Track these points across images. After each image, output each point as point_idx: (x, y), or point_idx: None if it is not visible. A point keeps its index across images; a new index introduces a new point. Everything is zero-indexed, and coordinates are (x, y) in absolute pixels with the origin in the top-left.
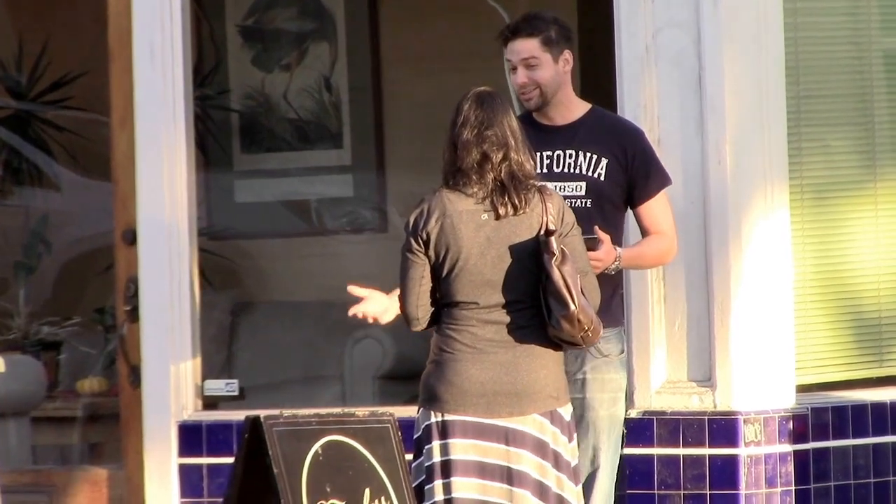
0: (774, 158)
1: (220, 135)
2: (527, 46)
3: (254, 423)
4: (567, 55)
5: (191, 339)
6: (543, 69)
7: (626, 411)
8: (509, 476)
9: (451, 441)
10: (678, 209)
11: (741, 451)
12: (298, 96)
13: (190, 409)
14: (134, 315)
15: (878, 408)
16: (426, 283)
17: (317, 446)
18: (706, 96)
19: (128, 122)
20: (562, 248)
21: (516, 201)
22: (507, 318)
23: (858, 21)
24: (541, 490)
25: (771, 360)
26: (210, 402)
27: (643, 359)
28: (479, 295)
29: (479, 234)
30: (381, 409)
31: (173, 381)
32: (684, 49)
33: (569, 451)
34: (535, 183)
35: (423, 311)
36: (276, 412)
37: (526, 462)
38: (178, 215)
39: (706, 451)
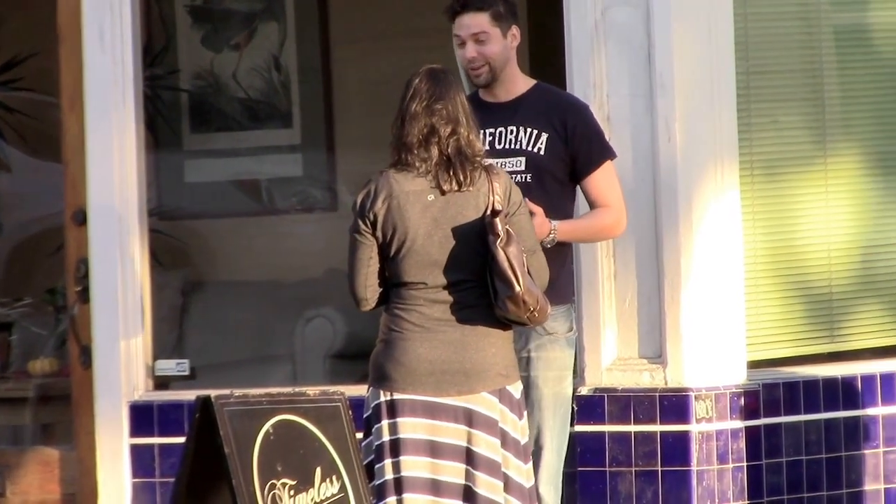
0: (724, 135)
1: (170, 115)
2: (476, 21)
3: (205, 402)
4: (515, 30)
5: (141, 320)
6: (493, 44)
7: (577, 388)
8: (460, 454)
9: (399, 420)
10: (628, 187)
11: (692, 428)
12: (248, 76)
13: (141, 390)
14: (85, 296)
15: (830, 383)
16: (374, 264)
17: (268, 425)
18: (656, 73)
19: (78, 104)
20: (507, 229)
21: (461, 177)
22: (455, 298)
23: None
24: (492, 467)
25: (722, 337)
26: (161, 382)
27: (594, 336)
28: (426, 275)
29: (425, 215)
30: (331, 388)
31: (124, 362)
32: (634, 26)
33: (518, 428)
34: (483, 161)
35: (371, 291)
36: (227, 392)
37: (477, 440)
38: (128, 196)
39: (657, 427)
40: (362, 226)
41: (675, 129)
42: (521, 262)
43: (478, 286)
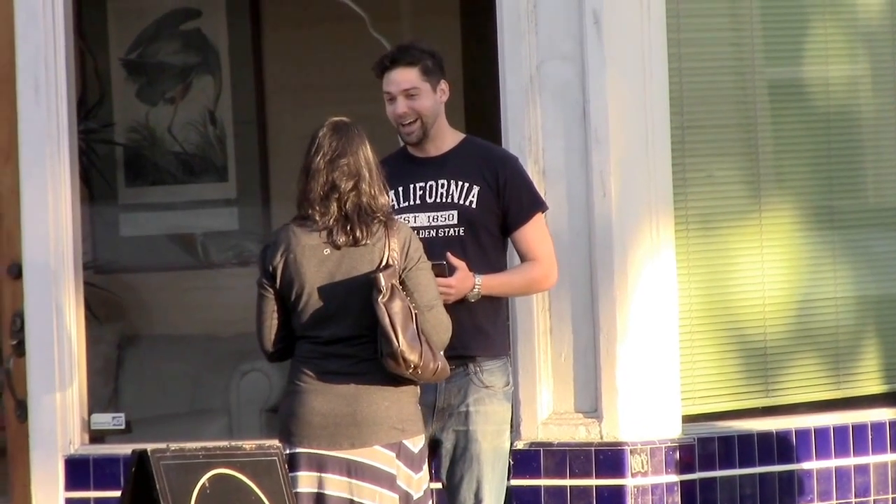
0: (659, 189)
1: (105, 168)
2: (407, 77)
3: (141, 456)
4: (444, 85)
5: (77, 373)
6: (423, 99)
7: (513, 443)
8: None
9: (297, 474)
10: (564, 241)
11: (628, 482)
12: (183, 129)
13: (77, 443)
14: (20, 349)
15: (765, 437)
16: (277, 317)
17: (204, 479)
18: (591, 128)
19: (12, 156)
20: (393, 285)
21: (358, 234)
22: (350, 352)
23: (742, 51)
24: None
25: (657, 391)
26: (97, 436)
27: (529, 390)
28: (322, 329)
29: (321, 269)
30: (267, 442)
31: (60, 415)
32: (569, 81)
33: (413, 483)
34: (382, 216)
35: (276, 344)
36: (163, 445)
37: (367, 494)
38: (64, 249)
39: (593, 481)
40: (264, 279)
41: (611, 183)
42: (404, 318)
43: (372, 340)
